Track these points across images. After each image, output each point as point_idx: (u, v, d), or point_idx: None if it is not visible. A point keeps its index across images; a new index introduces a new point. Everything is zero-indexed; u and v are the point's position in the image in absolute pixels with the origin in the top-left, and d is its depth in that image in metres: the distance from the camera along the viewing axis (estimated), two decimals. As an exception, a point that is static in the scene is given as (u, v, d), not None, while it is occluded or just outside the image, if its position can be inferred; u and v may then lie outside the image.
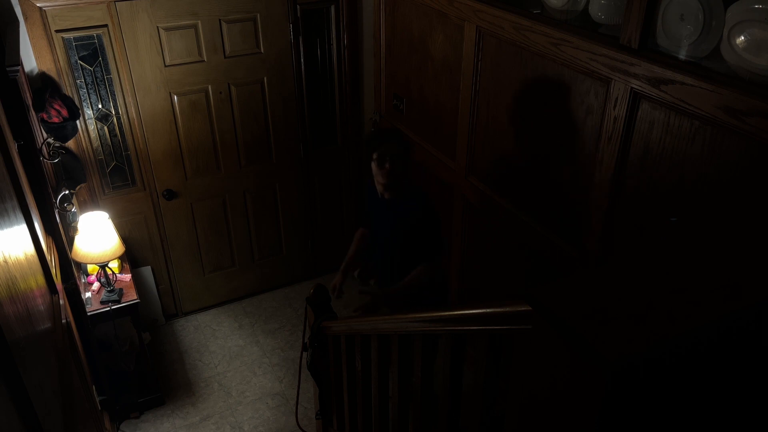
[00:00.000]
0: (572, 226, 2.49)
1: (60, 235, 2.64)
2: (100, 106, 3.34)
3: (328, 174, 4.15)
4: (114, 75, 3.28)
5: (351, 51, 3.81)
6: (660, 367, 0.80)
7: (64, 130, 2.93)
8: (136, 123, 3.41)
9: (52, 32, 3.04)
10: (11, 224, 1.63)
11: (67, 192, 3.01)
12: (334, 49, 3.80)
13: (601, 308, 0.83)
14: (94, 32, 3.16)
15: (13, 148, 2.14)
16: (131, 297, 3.18)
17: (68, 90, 3.17)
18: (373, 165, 2.60)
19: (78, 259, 2.97)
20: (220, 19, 3.38)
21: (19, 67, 2.34)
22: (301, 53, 3.68)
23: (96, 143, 3.40)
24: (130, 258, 3.59)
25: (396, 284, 2.74)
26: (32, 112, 2.76)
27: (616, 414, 0.79)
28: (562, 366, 0.83)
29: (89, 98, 3.29)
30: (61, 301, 2.35)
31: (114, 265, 3.22)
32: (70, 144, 3.22)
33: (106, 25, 3.15)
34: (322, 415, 2.93)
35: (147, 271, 3.81)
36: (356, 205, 4.31)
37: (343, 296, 2.91)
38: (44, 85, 3.03)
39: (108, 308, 3.10)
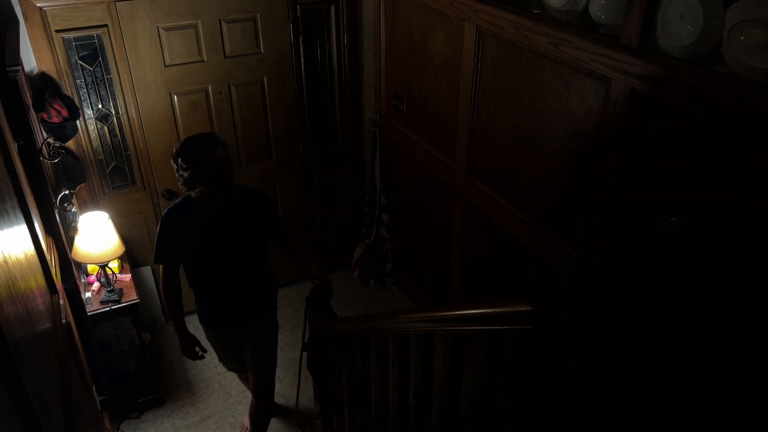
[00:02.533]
0: (572, 226, 2.49)
1: (60, 235, 2.64)
2: (100, 106, 3.34)
3: (328, 174, 4.15)
4: (114, 75, 3.28)
5: (351, 51, 3.81)
6: (660, 367, 0.80)
7: (64, 130, 2.93)
8: (136, 123, 3.41)
9: (52, 32, 3.04)
10: (11, 224, 1.63)
11: (67, 192, 3.01)
12: (334, 49, 3.80)
13: (601, 308, 0.83)
14: (94, 32, 3.16)
15: (13, 148, 2.14)
16: (131, 297, 3.18)
17: (68, 90, 3.17)
18: (209, 174, 2.37)
19: (78, 259, 2.97)
20: (220, 19, 3.38)
21: (19, 67, 2.34)
22: (301, 53, 3.68)
23: (96, 143, 3.40)
24: (130, 258, 3.59)
25: (309, 266, 2.69)
26: (32, 112, 2.76)
27: (617, 414, 0.79)
28: (562, 366, 0.83)
29: (89, 98, 3.29)
30: (61, 301, 2.35)
31: (114, 265, 3.22)
32: (70, 144, 3.22)
33: (106, 25, 3.15)
34: (322, 415, 2.93)
35: (147, 271, 3.81)
36: (356, 206, 4.31)
37: (206, 355, 2.80)
38: (44, 85, 3.03)
39: (108, 308, 3.10)
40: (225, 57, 3.48)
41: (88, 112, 3.31)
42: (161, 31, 3.28)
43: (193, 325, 2.91)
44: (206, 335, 2.87)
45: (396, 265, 4.26)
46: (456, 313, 1.74)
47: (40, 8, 2.96)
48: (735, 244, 0.98)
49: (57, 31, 3.06)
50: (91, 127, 3.35)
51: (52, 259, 2.43)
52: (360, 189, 4.25)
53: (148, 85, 3.35)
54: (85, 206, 3.43)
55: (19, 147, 2.27)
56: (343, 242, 4.38)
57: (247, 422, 3.22)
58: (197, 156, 2.37)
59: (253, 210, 2.61)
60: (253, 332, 2.77)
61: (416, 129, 3.56)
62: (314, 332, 2.56)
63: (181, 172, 2.40)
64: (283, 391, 3.54)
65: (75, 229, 3.08)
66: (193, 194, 2.46)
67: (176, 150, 2.43)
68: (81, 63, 3.20)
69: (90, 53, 3.20)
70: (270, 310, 2.82)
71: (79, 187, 3.29)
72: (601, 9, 2.23)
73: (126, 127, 3.42)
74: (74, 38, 3.13)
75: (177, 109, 3.48)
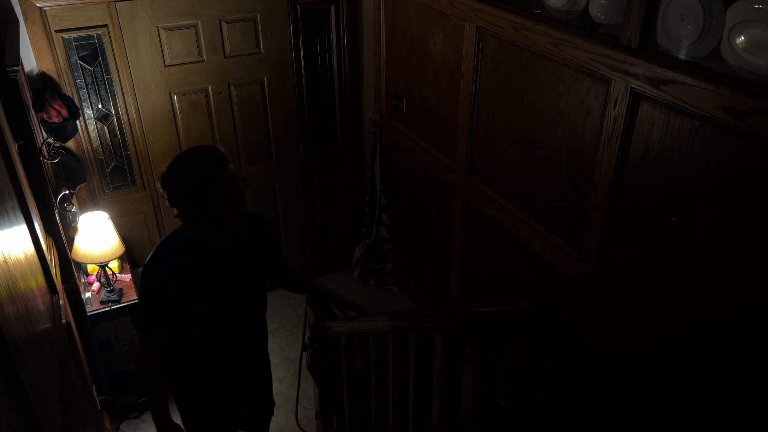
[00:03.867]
0: (572, 226, 2.49)
1: (60, 235, 2.64)
2: (100, 106, 3.34)
3: (328, 174, 4.15)
4: (114, 75, 3.28)
5: (351, 51, 3.81)
6: (660, 367, 0.80)
7: (64, 130, 2.93)
8: (136, 123, 3.41)
9: (52, 32, 3.04)
10: (11, 224, 1.63)
11: (67, 192, 3.01)
12: (334, 49, 3.80)
13: (601, 308, 0.83)
14: (94, 32, 3.16)
15: (13, 148, 2.14)
16: (131, 297, 3.18)
17: (68, 90, 3.17)
18: (221, 195, 1.86)
19: (78, 259, 2.97)
20: (220, 19, 3.38)
21: (19, 67, 2.34)
22: (301, 53, 3.68)
23: (96, 143, 3.40)
24: (130, 258, 3.59)
25: (328, 296, 2.43)
26: (32, 112, 2.76)
27: (617, 414, 0.79)
28: (563, 366, 0.83)
29: (89, 98, 3.29)
30: (61, 301, 2.35)
31: (114, 265, 3.22)
32: (70, 144, 3.22)
33: (106, 25, 3.15)
34: (322, 415, 2.93)
35: (147, 271, 3.81)
36: (356, 206, 4.30)
37: None
38: (44, 85, 3.03)
39: (108, 308, 3.10)
40: (225, 57, 3.48)
41: (88, 112, 3.31)
42: (161, 31, 3.28)
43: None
44: (183, 421, 2.34)
45: (396, 265, 4.26)
46: (456, 313, 1.74)
47: (40, 8, 2.96)
48: (735, 244, 0.98)
49: (57, 31, 3.06)
50: (91, 127, 3.35)
51: (52, 259, 2.43)
52: (360, 189, 4.25)
53: (148, 85, 3.35)
54: (85, 206, 3.43)
55: (19, 147, 2.27)
56: (343, 242, 4.38)
57: None
58: (207, 170, 1.85)
59: (260, 242, 2.14)
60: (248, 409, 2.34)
61: (416, 129, 3.56)
62: (314, 332, 2.56)
63: (179, 197, 1.89)
64: (283, 391, 3.54)
65: (75, 229, 3.08)
66: (188, 227, 1.97)
67: (170, 169, 1.90)
68: (81, 63, 3.20)
69: (90, 53, 3.20)
70: (265, 374, 2.40)
71: (79, 187, 3.29)
72: (601, 9, 2.23)
73: (126, 127, 3.42)
74: (74, 38, 3.13)
75: (177, 109, 3.48)
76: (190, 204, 1.90)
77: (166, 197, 1.95)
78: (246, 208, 1.97)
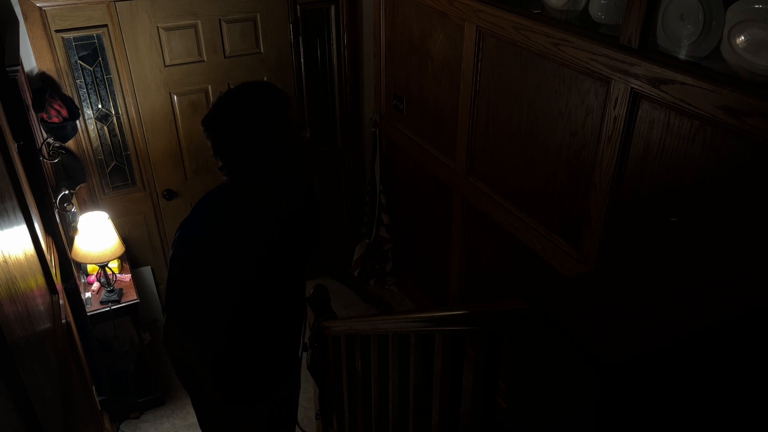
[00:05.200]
0: (572, 226, 2.49)
1: (60, 235, 2.64)
2: (100, 106, 3.34)
3: (328, 174, 4.15)
4: (114, 75, 3.28)
5: (351, 51, 3.81)
6: (660, 367, 0.80)
7: (64, 130, 2.93)
8: (136, 123, 3.41)
9: (52, 32, 3.04)
10: (11, 224, 1.63)
11: (67, 192, 3.01)
12: (334, 49, 3.80)
13: (601, 308, 0.83)
14: (94, 32, 3.16)
15: (13, 148, 2.13)
16: (131, 297, 3.18)
17: (68, 90, 3.17)
18: (287, 146, 1.58)
19: (78, 259, 2.97)
20: (220, 19, 3.38)
21: (19, 67, 2.34)
22: (301, 53, 3.68)
23: (96, 143, 3.40)
24: (130, 258, 3.59)
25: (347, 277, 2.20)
26: (32, 112, 2.76)
27: (616, 414, 0.79)
28: (561, 366, 0.83)
29: (89, 98, 3.29)
30: (61, 301, 2.35)
31: (114, 265, 3.22)
32: (70, 144, 3.22)
33: (106, 25, 3.15)
34: (322, 416, 2.93)
35: (147, 271, 3.81)
36: (356, 206, 4.30)
37: None
38: (44, 85, 3.03)
39: (108, 308, 3.10)
40: (225, 57, 3.48)
41: (88, 112, 3.31)
42: (161, 31, 3.28)
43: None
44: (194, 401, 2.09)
45: (396, 265, 4.26)
46: (456, 313, 1.73)
47: (40, 8, 2.96)
48: (735, 244, 0.98)
49: (57, 31, 3.06)
50: (91, 127, 3.35)
51: (52, 259, 2.43)
52: (360, 189, 4.25)
53: (148, 85, 3.35)
54: (85, 206, 3.43)
55: (19, 147, 2.26)
56: (343, 242, 4.38)
57: None
58: (269, 115, 1.54)
59: (309, 216, 1.86)
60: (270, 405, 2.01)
61: (416, 129, 3.56)
62: (314, 332, 2.56)
63: (228, 145, 1.57)
64: (283, 391, 3.54)
65: (75, 229, 3.08)
66: (231, 183, 1.64)
67: (223, 108, 1.57)
68: (81, 63, 3.20)
69: (90, 53, 3.20)
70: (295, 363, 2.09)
71: (79, 187, 3.29)
72: (601, 9, 2.23)
73: (126, 127, 3.42)
74: (74, 38, 3.13)
75: (177, 109, 3.48)
76: (241, 155, 1.56)
77: (210, 143, 1.59)
78: (306, 168, 1.68)
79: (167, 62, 3.35)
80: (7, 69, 2.24)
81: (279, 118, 1.56)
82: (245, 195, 1.65)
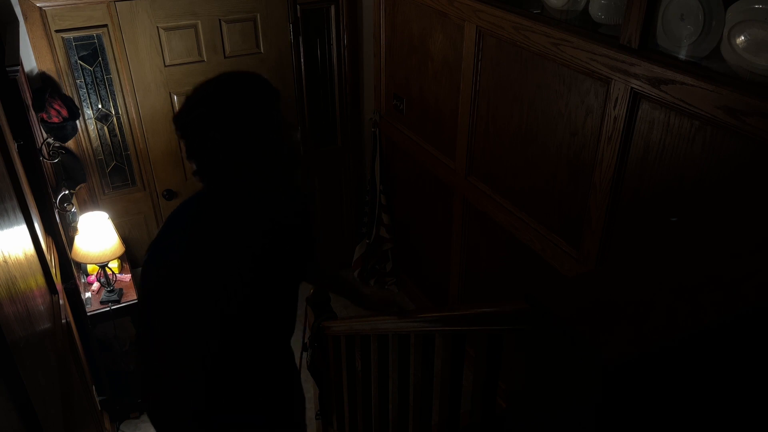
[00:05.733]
0: (572, 226, 2.49)
1: (60, 235, 2.64)
2: (100, 106, 3.34)
3: (328, 174, 4.15)
4: (114, 75, 3.28)
5: (351, 51, 3.81)
6: (659, 366, 0.80)
7: (64, 130, 2.93)
8: (136, 123, 3.41)
9: (52, 32, 3.04)
10: (11, 224, 1.63)
11: (67, 192, 3.01)
12: (334, 49, 3.80)
13: (601, 308, 0.83)
14: (94, 32, 3.16)
15: (13, 148, 2.13)
16: (131, 297, 3.18)
17: (68, 90, 3.17)
18: (276, 147, 1.33)
19: (78, 259, 2.97)
20: (220, 19, 3.38)
21: (19, 67, 2.34)
22: (301, 53, 3.68)
23: (96, 143, 3.40)
24: (130, 258, 3.59)
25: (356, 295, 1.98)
26: (32, 112, 2.76)
27: (616, 414, 0.79)
28: (561, 366, 0.83)
29: (89, 98, 3.29)
30: (61, 301, 2.35)
31: (114, 265, 3.22)
32: (70, 144, 3.22)
33: (106, 25, 3.15)
34: (322, 416, 2.93)
35: (147, 271, 3.81)
36: (356, 206, 4.30)
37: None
38: (44, 85, 3.03)
39: (108, 308, 3.10)
40: (225, 57, 3.48)
41: (88, 112, 3.31)
42: (161, 31, 3.28)
43: None
44: None
45: (396, 265, 4.26)
46: (456, 313, 1.74)
47: (40, 8, 2.96)
48: (735, 244, 0.98)
49: (57, 31, 3.06)
50: (91, 127, 3.35)
51: (52, 259, 2.43)
52: (360, 189, 4.25)
53: (148, 85, 3.35)
54: (85, 206, 3.43)
55: (19, 147, 2.26)
56: (343, 242, 4.38)
57: None
58: (257, 108, 1.28)
59: (303, 231, 1.57)
60: None
61: (416, 129, 3.56)
62: (314, 332, 2.56)
63: (206, 144, 1.27)
64: (283, 391, 3.54)
65: (75, 229, 3.08)
66: (209, 193, 1.38)
67: (199, 100, 1.28)
68: (81, 63, 3.20)
69: (90, 53, 3.20)
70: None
71: (79, 187, 3.29)
72: (601, 9, 2.23)
73: (126, 127, 3.42)
74: (74, 38, 3.13)
75: (177, 109, 3.48)
76: (222, 157, 1.27)
77: (183, 143, 1.31)
78: (299, 174, 1.42)
79: (167, 62, 3.35)
80: (7, 69, 2.24)
81: (267, 114, 1.28)
82: (229, 208, 1.36)
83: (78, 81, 3.22)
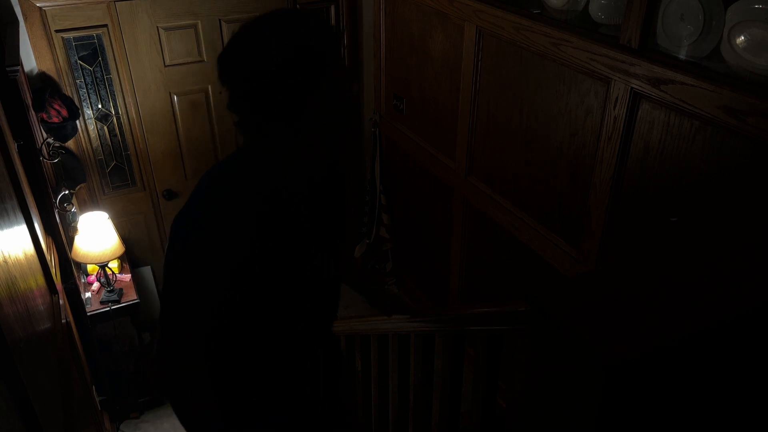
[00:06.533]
0: (572, 226, 2.49)
1: (60, 235, 2.64)
2: (99, 106, 3.34)
3: (328, 174, 4.14)
4: (114, 75, 3.28)
5: (351, 51, 3.81)
6: (660, 367, 0.80)
7: (63, 130, 2.93)
8: (136, 123, 3.41)
9: (52, 32, 3.04)
10: (11, 224, 1.63)
11: (67, 192, 3.01)
12: (334, 49, 3.80)
13: (601, 308, 0.83)
14: (93, 32, 3.16)
15: (13, 148, 2.13)
16: (131, 297, 3.18)
17: (68, 90, 3.17)
18: (337, 95, 1.15)
19: (78, 259, 2.97)
20: (220, 19, 3.38)
21: (19, 67, 2.34)
22: (301, 53, 3.68)
23: (96, 143, 3.40)
24: (130, 258, 3.59)
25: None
26: (32, 112, 2.76)
27: (616, 414, 0.79)
28: (561, 366, 0.83)
29: (89, 98, 3.29)
30: (61, 301, 2.35)
31: (114, 265, 3.22)
32: (70, 144, 3.22)
33: (105, 25, 3.15)
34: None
35: (147, 271, 3.81)
36: (356, 206, 4.30)
37: None
38: (44, 85, 3.03)
39: (108, 308, 3.10)
40: (225, 57, 3.48)
41: (88, 112, 3.31)
42: (161, 31, 3.28)
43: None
44: None
45: (396, 265, 4.26)
46: (456, 313, 1.74)
47: (40, 8, 2.96)
48: (735, 244, 0.98)
49: (57, 31, 3.06)
50: (91, 127, 3.35)
51: (52, 259, 2.43)
52: (360, 189, 4.25)
53: (148, 85, 3.35)
54: (85, 206, 3.43)
55: (19, 147, 2.26)
56: (343, 242, 4.37)
57: None
58: (317, 47, 1.09)
59: (342, 202, 1.47)
60: None
61: (416, 129, 3.56)
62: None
63: (256, 87, 1.09)
64: (283, 391, 3.54)
65: (75, 229, 3.08)
66: (249, 151, 1.21)
67: (249, 38, 1.11)
68: (81, 63, 3.20)
69: (90, 53, 3.20)
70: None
71: (79, 187, 3.29)
72: (601, 9, 2.23)
73: (126, 127, 3.42)
74: (74, 38, 3.13)
75: (177, 109, 3.48)
76: (271, 105, 1.11)
77: (225, 90, 1.13)
78: (349, 133, 1.10)
79: (167, 62, 3.35)
80: (7, 69, 2.24)
81: (327, 56, 1.10)
82: (263, 168, 1.19)
83: (78, 81, 3.22)
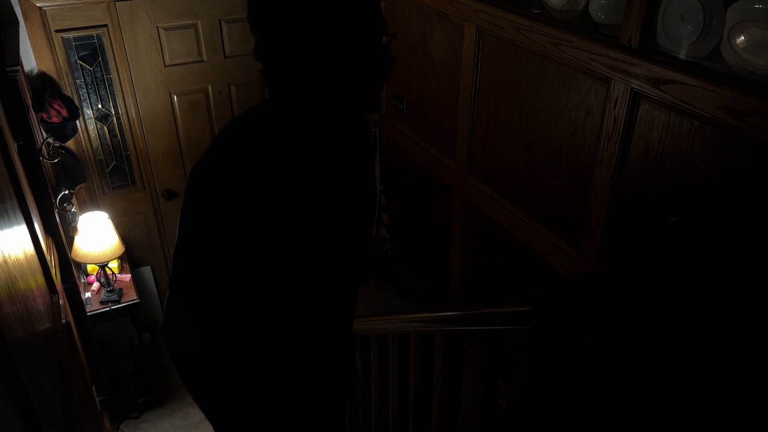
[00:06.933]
0: (572, 226, 2.49)
1: (60, 235, 2.64)
2: (99, 106, 3.34)
3: (328, 174, 4.14)
4: (114, 75, 3.28)
5: (351, 51, 3.80)
6: (661, 366, 0.80)
7: (63, 130, 2.93)
8: (136, 123, 3.41)
9: (52, 32, 3.04)
10: (11, 224, 1.63)
11: (67, 192, 3.01)
12: (334, 49, 3.80)
13: (601, 308, 0.83)
14: (93, 32, 3.16)
15: (13, 148, 2.13)
16: (131, 297, 3.18)
17: (68, 90, 3.17)
18: (373, 51, 1.10)
19: (78, 259, 2.97)
20: (220, 19, 3.38)
21: (19, 67, 2.34)
22: (301, 53, 3.68)
23: (96, 143, 3.40)
24: (130, 258, 3.59)
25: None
26: (32, 112, 2.76)
27: (616, 414, 0.79)
28: (562, 366, 0.83)
29: (89, 98, 3.29)
30: (61, 301, 2.35)
31: (114, 265, 3.22)
32: (70, 144, 3.22)
33: (105, 25, 3.15)
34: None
35: (147, 271, 3.81)
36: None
37: None
38: (44, 85, 3.03)
39: (108, 308, 3.10)
40: (225, 57, 3.48)
41: (88, 112, 3.31)
42: (161, 31, 3.28)
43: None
44: None
45: (396, 265, 4.26)
46: (456, 313, 1.74)
47: (40, 8, 2.96)
48: (736, 244, 0.98)
49: (57, 31, 3.06)
50: (91, 127, 3.35)
51: (52, 259, 2.43)
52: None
53: (148, 85, 3.35)
54: (85, 206, 3.43)
55: (19, 147, 2.26)
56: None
57: None
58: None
59: (367, 166, 1.36)
60: None
61: (416, 129, 3.56)
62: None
63: (287, 34, 1.03)
64: (283, 391, 3.54)
65: (75, 229, 3.08)
66: (275, 106, 1.15)
67: None
68: (81, 63, 3.20)
69: (90, 53, 3.20)
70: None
71: (79, 187, 3.29)
72: (601, 9, 2.23)
73: (126, 127, 3.42)
74: (74, 38, 3.13)
75: (177, 109, 3.48)
76: (299, 51, 1.03)
77: (253, 33, 1.09)
78: (381, 94, 1.14)
79: (167, 62, 3.35)
80: (7, 69, 2.24)
81: (359, 8, 1.03)
82: (280, 121, 1.12)
83: (78, 81, 3.22)
